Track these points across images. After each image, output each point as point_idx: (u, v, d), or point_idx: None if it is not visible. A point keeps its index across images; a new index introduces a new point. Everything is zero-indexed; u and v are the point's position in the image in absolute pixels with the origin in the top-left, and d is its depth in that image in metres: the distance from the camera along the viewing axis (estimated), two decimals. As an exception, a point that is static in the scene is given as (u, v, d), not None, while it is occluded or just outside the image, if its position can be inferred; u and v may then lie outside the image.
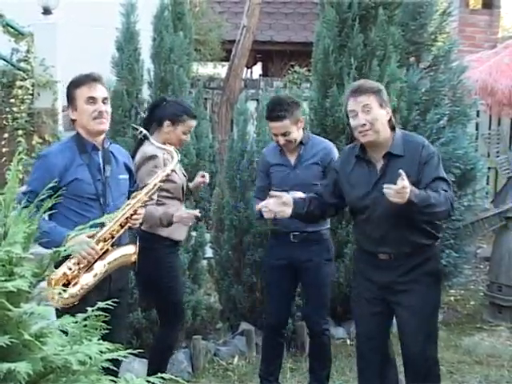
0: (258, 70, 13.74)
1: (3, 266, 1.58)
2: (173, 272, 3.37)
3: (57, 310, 2.18)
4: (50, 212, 2.51)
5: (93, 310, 1.71)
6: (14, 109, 6.26)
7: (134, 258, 2.79)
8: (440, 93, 4.85)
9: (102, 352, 1.63)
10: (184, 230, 3.42)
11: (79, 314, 1.71)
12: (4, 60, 6.51)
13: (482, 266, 6.59)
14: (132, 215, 2.75)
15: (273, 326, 3.64)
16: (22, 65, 6.46)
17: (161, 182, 2.93)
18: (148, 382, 1.64)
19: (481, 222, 5.04)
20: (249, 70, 12.65)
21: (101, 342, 1.66)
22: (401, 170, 2.54)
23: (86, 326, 1.69)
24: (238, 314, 4.50)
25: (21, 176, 5.78)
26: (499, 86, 5.53)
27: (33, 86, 6.38)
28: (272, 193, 2.94)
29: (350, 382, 3.87)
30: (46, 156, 2.75)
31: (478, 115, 6.44)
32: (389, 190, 2.55)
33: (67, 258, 2.50)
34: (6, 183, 1.74)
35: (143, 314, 3.99)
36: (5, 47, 6.51)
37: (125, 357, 1.71)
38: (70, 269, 2.57)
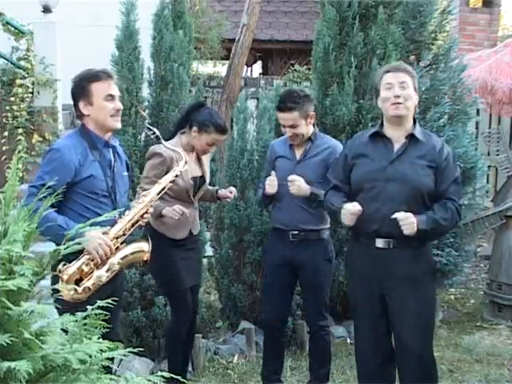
0: (258, 68, 13.73)
1: (3, 264, 1.58)
2: (169, 262, 3.37)
3: (57, 308, 2.18)
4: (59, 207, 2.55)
5: (93, 309, 1.71)
6: (14, 107, 6.25)
7: (146, 256, 2.81)
8: (440, 91, 4.84)
9: (101, 351, 1.63)
10: (184, 229, 3.43)
11: (79, 313, 1.72)
12: (4, 58, 6.50)
13: (482, 265, 6.60)
14: (143, 214, 2.78)
15: (267, 324, 3.64)
16: (22, 63, 6.45)
17: (170, 182, 3.00)
18: (148, 380, 1.64)
19: (481, 220, 5.04)
20: (249, 69, 12.65)
21: (101, 340, 1.66)
22: (396, 214, 2.70)
23: (85, 324, 1.69)
24: (238, 312, 4.51)
25: (21, 174, 5.79)
26: (499, 84, 5.52)
27: (33, 84, 6.37)
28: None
29: (349, 380, 3.87)
30: (58, 150, 2.66)
31: (478, 114, 6.43)
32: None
33: (81, 252, 2.51)
34: (6, 181, 1.74)
35: (143, 312, 4.00)
36: (5, 45, 6.50)
37: (124, 355, 1.71)
38: (87, 264, 2.57)
